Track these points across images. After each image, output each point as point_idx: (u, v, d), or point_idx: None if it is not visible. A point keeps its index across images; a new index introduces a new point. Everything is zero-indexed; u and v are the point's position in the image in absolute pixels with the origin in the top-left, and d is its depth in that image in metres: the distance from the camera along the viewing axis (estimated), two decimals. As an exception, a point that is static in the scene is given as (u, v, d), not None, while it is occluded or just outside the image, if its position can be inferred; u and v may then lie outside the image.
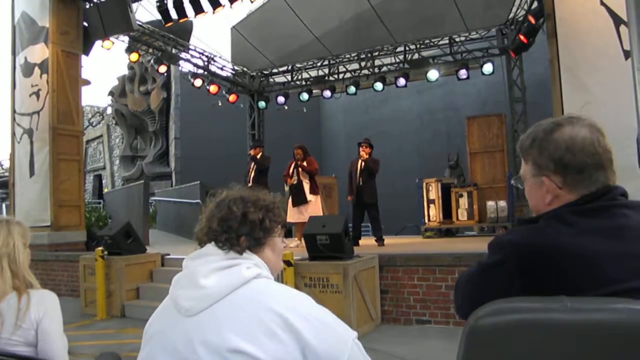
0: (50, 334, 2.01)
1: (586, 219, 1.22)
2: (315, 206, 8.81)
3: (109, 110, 26.50)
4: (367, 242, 9.11)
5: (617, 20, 6.36)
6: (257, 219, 1.49)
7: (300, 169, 8.90)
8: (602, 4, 6.57)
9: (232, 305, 1.32)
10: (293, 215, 8.92)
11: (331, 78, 14.16)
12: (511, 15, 11.41)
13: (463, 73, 11.94)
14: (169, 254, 8.11)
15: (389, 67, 13.51)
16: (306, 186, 8.90)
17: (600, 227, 1.20)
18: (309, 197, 8.84)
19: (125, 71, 24.00)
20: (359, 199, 8.95)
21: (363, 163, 8.95)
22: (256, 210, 1.50)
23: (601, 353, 1.05)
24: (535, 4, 9.68)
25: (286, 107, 14.46)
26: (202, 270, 1.38)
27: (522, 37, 10.54)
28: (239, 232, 1.46)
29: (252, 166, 9.51)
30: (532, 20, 9.67)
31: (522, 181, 1.42)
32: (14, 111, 10.20)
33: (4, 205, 19.23)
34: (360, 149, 9.07)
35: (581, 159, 1.26)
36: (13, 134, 10.19)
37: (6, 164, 28.24)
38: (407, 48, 12.99)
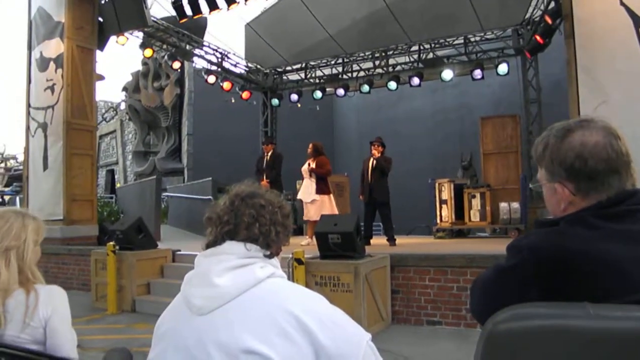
0: (59, 332, 1.98)
1: (611, 223, 1.18)
2: (321, 205, 8.75)
3: (123, 106, 26.66)
4: (378, 241, 9.07)
5: (637, 21, 6.29)
6: (278, 221, 1.48)
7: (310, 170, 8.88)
8: (622, 4, 6.48)
9: (245, 305, 1.31)
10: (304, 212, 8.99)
11: (345, 76, 14.13)
12: (527, 15, 11.31)
13: (478, 73, 11.86)
14: (180, 250, 8.13)
15: (403, 66, 13.45)
16: (312, 185, 8.86)
17: (626, 232, 1.16)
18: (314, 196, 8.80)
19: (139, 67, 24.10)
20: (370, 197, 8.93)
21: (375, 162, 8.92)
22: (278, 213, 1.49)
23: (624, 362, 1.02)
24: (552, 4, 9.58)
25: (299, 105, 14.46)
26: (215, 268, 1.36)
27: (538, 38, 10.45)
28: (263, 230, 1.44)
29: (265, 163, 9.45)
30: (549, 21, 9.57)
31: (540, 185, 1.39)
32: (28, 105, 10.29)
33: (17, 199, 19.40)
34: (372, 147, 9.03)
35: (592, 165, 1.22)
36: (27, 128, 10.27)
37: (20, 158, 28.49)
38: (421, 47, 12.92)
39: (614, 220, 1.19)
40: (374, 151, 9.00)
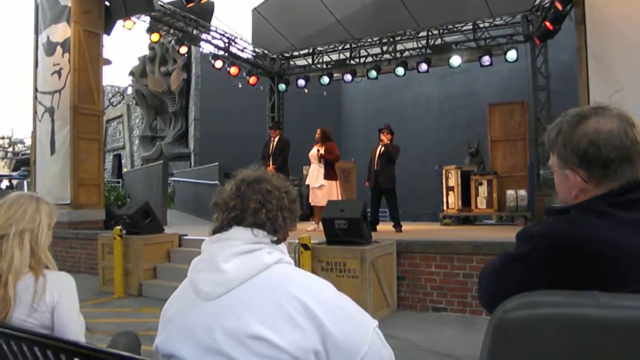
0: (66, 320, 1.99)
1: (623, 211, 1.17)
2: (328, 191, 8.78)
3: (130, 90, 26.68)
4: (385, 227, 9.08)
5: (650, 7, 6.20)
6: (285, 206, 1.47)
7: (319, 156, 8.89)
8: (635, -11, 6.40)
9: (252, 291, 1.30)
10: (310, 197, 9.02)
11: (352, 62, 14.04)
12: (537, 1, 11.16)
13: (486, 59, 11.75)
14: (186, 235, 8.15)
15: (411, 52, 13.34)
16: (320, 170, 8.88)
17: (638, 220, 1.15)
18: (322, 181, 8.84)
19: (146, 51, 24.09)
20: (376, 183, 8.93)
21: (383, 148, 8.91)
22: (285, 198, 1.49)
23: (634, 352, 1.01)
24: (563, -10, 9.45)
25: (306, 90, 14.40)
26: (222, 254, 1.36)
27: (548, 24, 10.32)
28: (270, 215, 1.43)
29: (271, 148, 9.45)
30: (559, 7, 9.44)
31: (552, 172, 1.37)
32: (35, 89, 10.28)
33: (25, 183, 19.51)
34: (381, 134, 9.01)
35: (606, 153, 1.20)
36: (35, 112, 10.28)
37: (28, 142, 28.60)
38: (429, 33, 12.81)
39: (627, 209, 1.17)
40: (382, 137, 8.98)
